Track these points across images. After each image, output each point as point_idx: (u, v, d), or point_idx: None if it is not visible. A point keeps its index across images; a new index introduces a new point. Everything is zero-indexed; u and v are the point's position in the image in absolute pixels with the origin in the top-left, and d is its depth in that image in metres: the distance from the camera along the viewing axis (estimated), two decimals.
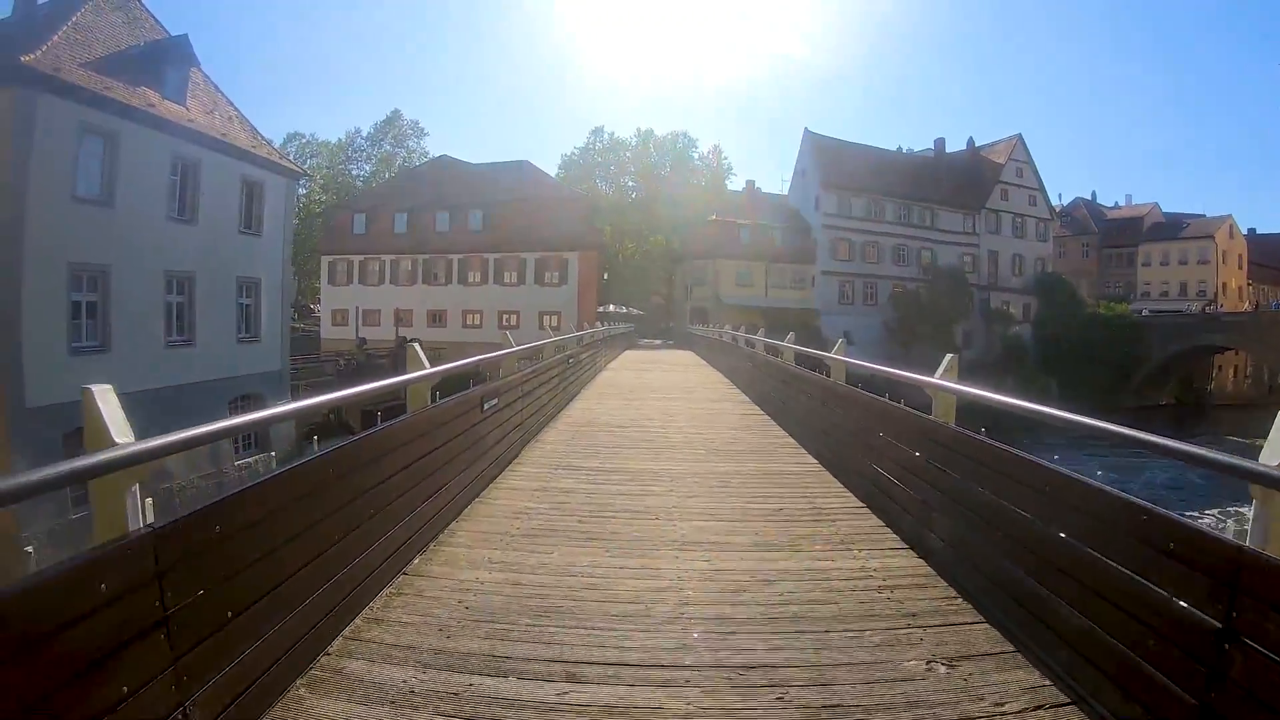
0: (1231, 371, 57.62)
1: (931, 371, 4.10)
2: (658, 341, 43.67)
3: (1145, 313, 54.42)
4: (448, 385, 4.75)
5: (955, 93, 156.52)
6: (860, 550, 3.99)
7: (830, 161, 48.54)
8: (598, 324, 22.52)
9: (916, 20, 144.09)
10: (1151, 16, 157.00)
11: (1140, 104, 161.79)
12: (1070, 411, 2.69)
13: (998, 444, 3.22)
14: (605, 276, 49.75)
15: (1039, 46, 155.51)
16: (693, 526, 4.44)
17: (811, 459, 6.63)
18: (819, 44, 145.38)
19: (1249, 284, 67.37)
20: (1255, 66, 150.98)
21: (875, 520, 4.61)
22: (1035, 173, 54.52)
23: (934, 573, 3.58)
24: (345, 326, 42.77)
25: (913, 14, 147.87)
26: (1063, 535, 2.52)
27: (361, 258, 44.93)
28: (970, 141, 55.99)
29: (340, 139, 61.41)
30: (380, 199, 47.53)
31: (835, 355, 6.22)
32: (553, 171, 53.90)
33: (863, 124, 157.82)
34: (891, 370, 4.89)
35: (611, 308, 51.20)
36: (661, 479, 5.80)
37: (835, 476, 5.78)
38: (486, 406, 5.44)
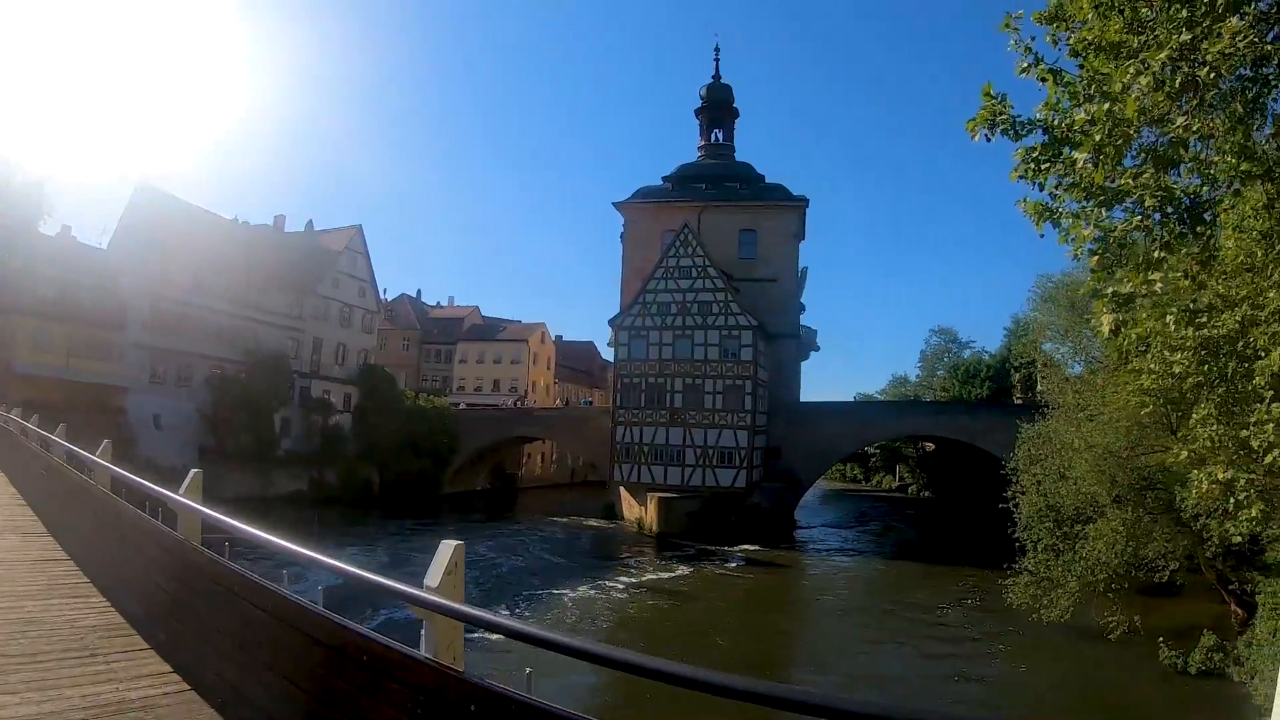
0: (539, 458, 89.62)
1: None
2: None
3: (463, 406, 78.45)
4: None
5: (297, 171, 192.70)
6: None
7: (161, 219, 57.47)
8: None
9: (268, 91, 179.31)
10: (483, 144, 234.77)
11: (466, 214, 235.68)
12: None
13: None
14: None
15: (379, 138, 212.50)
16: None
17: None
18: (173, 91, 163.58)
19: (555, 383, 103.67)
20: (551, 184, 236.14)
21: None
22: (369, 264, 74.56)
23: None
24: None
25: (257, 81, 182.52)
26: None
27: None
28: (310, 224, 74.37)
29: None
30: None
31: (177, 496, 6.54)
32: None
33: (203, 189, 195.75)
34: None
35: None
36: None
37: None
38: None
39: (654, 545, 50.01)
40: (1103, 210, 9.09)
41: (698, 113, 74.13)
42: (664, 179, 70.84)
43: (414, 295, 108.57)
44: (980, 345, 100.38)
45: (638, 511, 56.92)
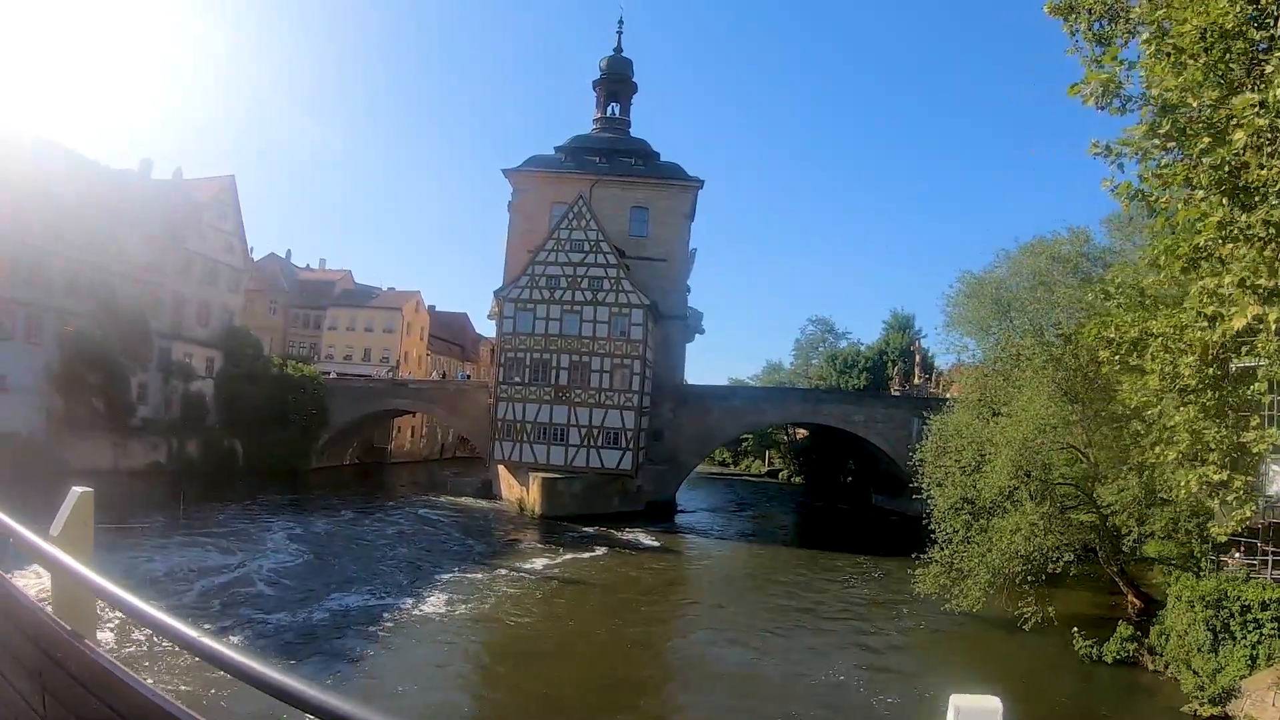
0: (410, 433, 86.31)
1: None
2: None
3: (333, 375, 73.95)
4: None
5: (165, 114, 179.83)
6: None
7: (13, 154, 50.84)
8: None
9: (133, 23, 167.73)
10: (369, 95, 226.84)
11: (349, 173, 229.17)
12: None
13: None
14: None
15: (251, 82, 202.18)
16: None
17: None
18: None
19: (428, 354, 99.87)
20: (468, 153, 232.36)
21: None
22: (239, 219, 69.30)
23: None
24: None
25: (124, 9, 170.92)
26: None
27: None
28: (179, 172, 68.55)
29: None
30: None
31: None
32: None
33: (64, 123, 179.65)
34: None
35: None
36: None
37: None
38: None
39: (537, 528, 48.48)
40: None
41: (596, 84, 71.74)
42: (556, 149, 68.29)
43: (283, 256, 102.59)
44: (855, 336, 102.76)
45: (519, 492, 55.02)
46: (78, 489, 3.70)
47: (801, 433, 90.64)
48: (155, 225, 61.87)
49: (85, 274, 54.95)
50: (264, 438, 62.86)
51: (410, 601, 28.97)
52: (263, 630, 24.18)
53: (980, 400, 32.56)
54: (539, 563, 37.82)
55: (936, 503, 29.87)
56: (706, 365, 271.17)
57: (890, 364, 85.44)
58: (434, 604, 28.82)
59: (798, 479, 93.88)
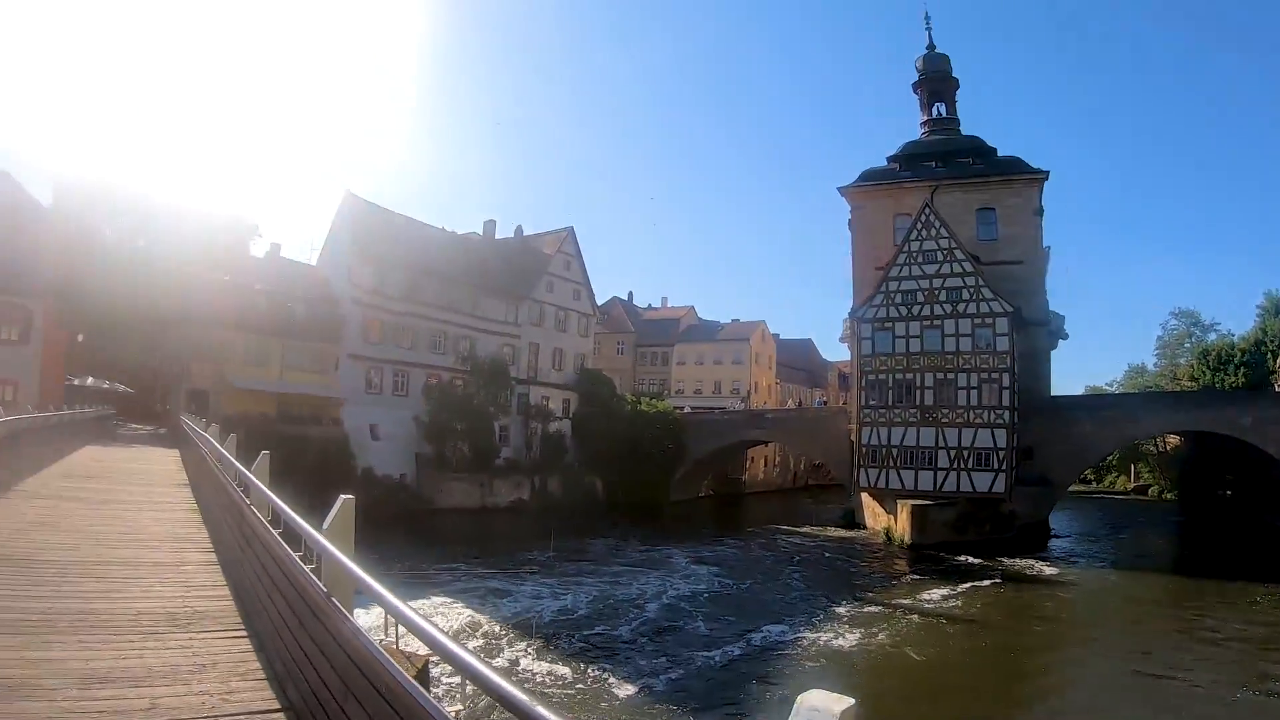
0: (763, 463, 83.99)
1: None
2: (146, 429, 45.31)
3: (686, 410, 75.00)
4: None
5: (504, 180, 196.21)
6: None
7: (369, 230, 56.18)
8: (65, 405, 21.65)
9: (470, 98, 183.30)
10: (688, 136, 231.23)
11: (680, 213, 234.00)
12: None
13: None
14: (80, 338, 50.29)
15: (589, 141, 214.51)
16: None
17: None
18: (368, 102, 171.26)
19: (777, 383, 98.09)
20: (790, 185, 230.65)
21: None
22: (583, 267, 71.96)
23: None
24: None
25: (466, 94, 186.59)
26: None
27: None
28: (519, 229, 72.77)
29: None
30: None
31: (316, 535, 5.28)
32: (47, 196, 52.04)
33: (408, 199, 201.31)
34: None
35: (90, 381, 52.45)
36: None
37: None
38: None
39: (907, 558, 44.74)
40: None
41: (915, 86, 66.90)
42: (889, 159, 64.18)
43: (625, 298, 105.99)
44: (1225, 327, 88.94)
45: (885, 520, 51.23)
46: (343, 496, 5.36)
47: (1173, 441, 79.15)
48: (506, 280, 66.19)
49: (444, 330, 60.42)
50: (622, 473, 63.99)
51: (810, 635, 27.61)
52: (688, 663, 23.86)
53: None
54: (922, 596, 34.68)
55: None
56: (1061, 373, 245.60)
57: (1271, 355, 73.50)
58: (831, 638, 27.20)
59: (1169, 495, 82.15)
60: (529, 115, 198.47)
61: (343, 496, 5.51)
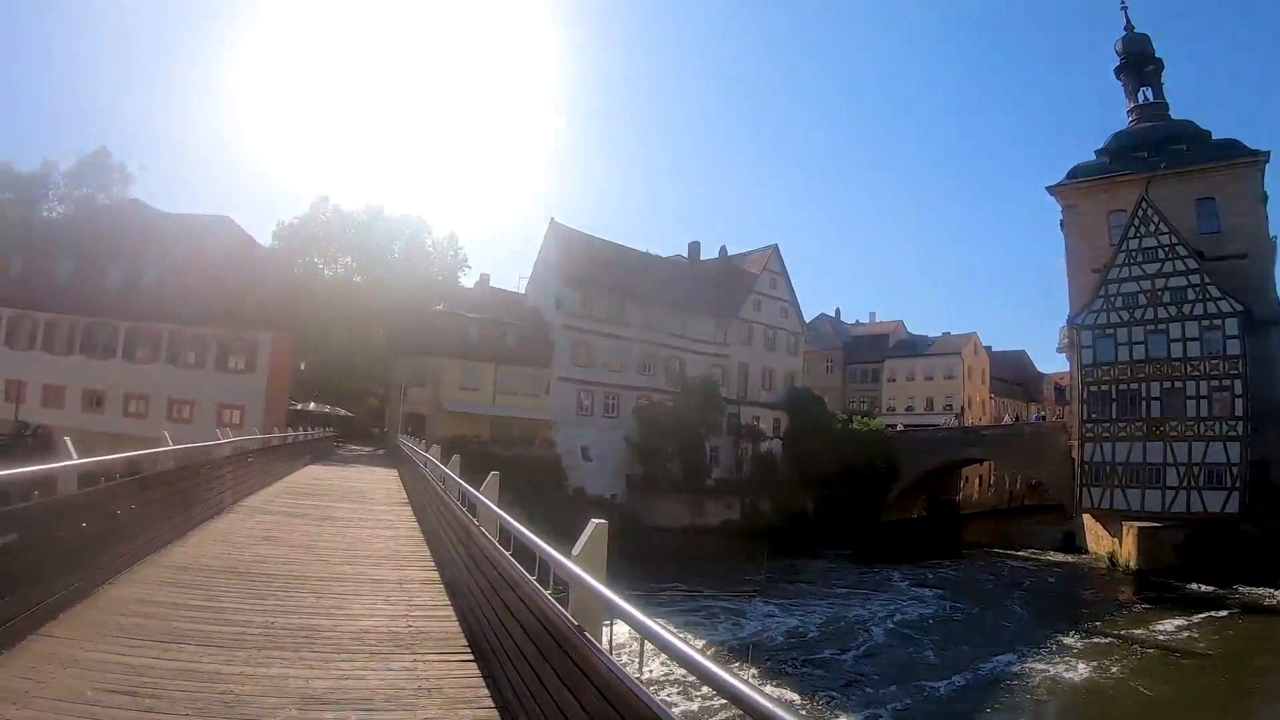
0: (977, 482, 79.72)
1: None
2: (365, 450, 48.43)
3: (899, 427, 72.96)
4: None
5: (705, 201, 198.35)
6: None
7: (575, 256, 57.37)
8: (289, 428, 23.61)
9: (670, 123, 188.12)
10: (894, 150, 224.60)
11: (885, 226, 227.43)
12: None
13: None
14: (303, 367, 54.99)
15: (791, 162, 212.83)
16: None
17: None
18: (569, 137, 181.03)
19: (991, 398, 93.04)
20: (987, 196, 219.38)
21: None
22: (789, 285, 71.03)
23: None
24: None
25: (665, 119, 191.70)
26: None
27: (11, 313, 45.72)
28: (723, 249, 72.29)
29: (34, 170, 65.67)
30: (51, 239, 49.23)
31: (568, 563, 4.75)
32: (267, 239, 60.54)
33: (609, 226, 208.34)
34: None
35: (313, 406, 56.27)
36: None
37: None
38: None
39: (1133, 584, 41.46)
40: None
41: (1118, 71, 61.74)
42: (1097, 153, 59.64)
43: (832, 314, 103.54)
44: None
45: (1109, 544, 47.30)
46: (595, 521, 4.91)
47: None
48: (713, 300, 66.21)
49: (656, 352, 61.00)
50: (833, 493, 62.17)
51: (1040, 666, 26.81)
52: (918, 692, 23.93)
53: None
54: (1154, 626, 32.24)
55: None
56: None
57: None
58: (1062, 670, 26.28)
59: None
60: (730, 138, 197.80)
61: (594, 521, 5.11)
